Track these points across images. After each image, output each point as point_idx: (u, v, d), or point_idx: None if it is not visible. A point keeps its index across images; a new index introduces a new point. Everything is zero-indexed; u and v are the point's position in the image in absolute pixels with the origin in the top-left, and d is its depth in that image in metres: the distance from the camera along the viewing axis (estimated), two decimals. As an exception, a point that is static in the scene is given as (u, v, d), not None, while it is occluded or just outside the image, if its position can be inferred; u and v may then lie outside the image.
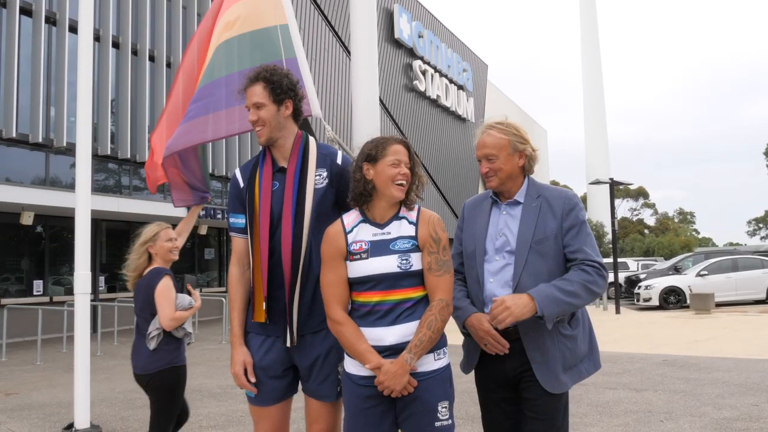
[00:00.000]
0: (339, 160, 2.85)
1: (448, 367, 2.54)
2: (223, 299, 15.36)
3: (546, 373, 2.60)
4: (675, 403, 6.58)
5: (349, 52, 23.59)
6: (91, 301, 9.78)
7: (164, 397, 3.87)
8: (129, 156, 16.80)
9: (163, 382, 3.84)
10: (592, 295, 2.61)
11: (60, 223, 16.42)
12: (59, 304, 14.99)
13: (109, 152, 16.24)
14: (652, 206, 74.37)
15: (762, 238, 64.89)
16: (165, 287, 3.85)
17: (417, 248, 2.50)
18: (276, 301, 2.74)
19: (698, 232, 74.42)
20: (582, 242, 2.65)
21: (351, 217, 2.62)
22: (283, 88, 2.76)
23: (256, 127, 2.77)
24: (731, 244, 68.74)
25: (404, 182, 2.53)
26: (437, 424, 2.45)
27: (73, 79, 15.08)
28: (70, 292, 16.23)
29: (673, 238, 49.35)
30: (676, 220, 72.87)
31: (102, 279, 17.55)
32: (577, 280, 2.58)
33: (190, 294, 4.08)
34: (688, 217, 75.65)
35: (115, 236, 18.49)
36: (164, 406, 3.88)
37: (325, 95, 23.05)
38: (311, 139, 2.89)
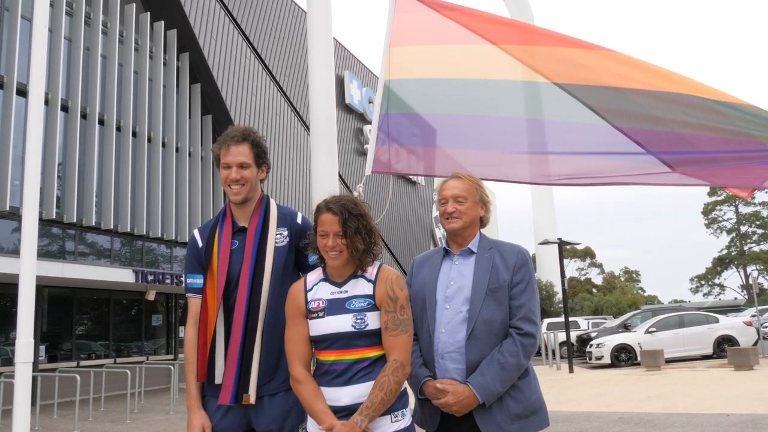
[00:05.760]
0: (299, 220, 2.87)
1: (407, 429, 2.46)
2: (171, 367, 14.80)
3: (488, 421, 2.61)
4: (633, 460, 6.58)
5: (307, 127, 23.96)
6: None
7: None
8: (75, 220, 16.34)
9: None
10: (525, 362, 2.70)
11: (-2, 291, 15.73)
12: (-5, 376, 14.16)
13: (54, 216, 15.78)
14: (599, 266, 75.97)
15: (704, 294, 66.71)
16: None
17: (374, 307, 2.47)
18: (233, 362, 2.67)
19: (644, 290, 76.05)
20: (527, 298, 2.73)
21: (313, 276, 2.62)
22: (264, 152, 2.84)
23: (235, 186, 2.76)
24: (676, 301, 70.38)
25: (335, 251, 2.49)
26: None
27: (19, 143, 14.81)
28: (7, 362, 15.42)
29: (621, 296, 50.31)
30: (623, 279, 74.43)
31: (43, 348, 16.73)
32: (511, 358, 2.63)
33: None
34: (634, 275, 77.43)
35: (57, 303, 17.77)
36: None
37: (283, 166, 23.14)
38: (271, 200, 2.93)
